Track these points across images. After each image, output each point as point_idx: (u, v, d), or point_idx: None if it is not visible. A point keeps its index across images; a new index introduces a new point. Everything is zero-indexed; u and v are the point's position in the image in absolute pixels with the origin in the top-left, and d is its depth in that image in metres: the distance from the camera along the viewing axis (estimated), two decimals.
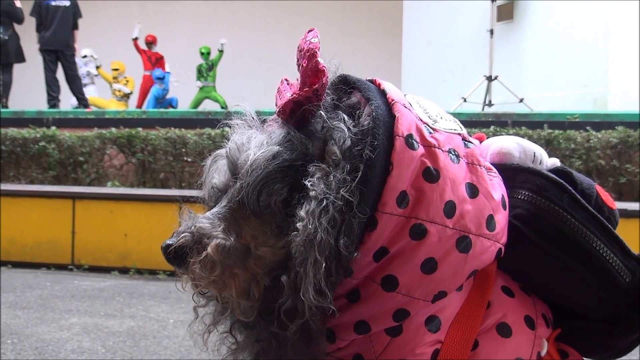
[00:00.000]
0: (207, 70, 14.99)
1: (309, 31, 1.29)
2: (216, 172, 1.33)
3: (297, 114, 1.25)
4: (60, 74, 11.96)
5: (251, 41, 17.76)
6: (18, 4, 11.45)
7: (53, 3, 11.65)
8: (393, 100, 1.24)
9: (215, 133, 8.15)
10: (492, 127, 7.71)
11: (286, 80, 1.45)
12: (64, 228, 7.28)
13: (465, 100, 10.55)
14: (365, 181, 1.16)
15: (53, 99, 11.85)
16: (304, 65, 1.24)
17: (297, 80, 1.29)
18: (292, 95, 1.25)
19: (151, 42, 15.44)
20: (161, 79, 14.78)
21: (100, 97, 15.42)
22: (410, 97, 1.33)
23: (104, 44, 15.86)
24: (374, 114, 1.21)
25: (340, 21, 17.34)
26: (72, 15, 11.77)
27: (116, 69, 15.48)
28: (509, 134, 7.55)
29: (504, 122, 8.36)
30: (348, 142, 1.19)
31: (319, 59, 1.22)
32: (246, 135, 1.27)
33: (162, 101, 14.97)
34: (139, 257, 7.07)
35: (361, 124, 1.21)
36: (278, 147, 1.22)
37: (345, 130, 1.20)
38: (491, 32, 10.70)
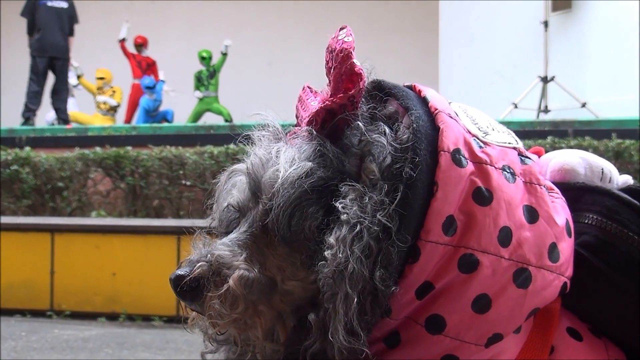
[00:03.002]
0: (208, 77, 15.09)
1: (341, 29, 1.31)
2: (233, 190, 1.35)
3: (329, 124, 1.27)
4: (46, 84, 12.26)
5: (259, 41, 17.87)
6: None
7: (49, 3, 12.07)
8: (436, 109, 1.26)
9: (218, 151, 8.21)
10: (549, 138, 7.70)
11: (309, 87, 1.48)
12: (41, 267, 7.34)
13: (516, 107, 10.53)
14: (406, 204, 1.18)
15: (29, 111, 12.07)
16: (337, 67, 1.26)
17: (328, 85, 1.32)
18: (324, 102, 1.27)
19: (141, 44, 15.58)
20: (151, 88, 14.87)
21: (81, 111, 15.59)
22: (455, 106, 1.34)
23: (86, 49, 16.04)
24: (414, 125, 1.23)
25: (365, 16, 17.42)
26: (69, 18, 12.25)
27: (101, 78, 15.63)
28: (570, 146, 7.55)
29: (564, 131, 8.35)
30: (388, 160, 1.21)
31: (354, 60, 1.24)
32: (273, 149, 1.29)
33: (155, 114, 15.08)
34: (130, 300, 7.11)
35: (400, 138, 1.23)
36: (311, 163, 1.23)
37: (386, 145, 1.22)
38: (545, 24, 10.69)
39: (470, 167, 1.22)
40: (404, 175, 1.19)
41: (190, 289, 1.24)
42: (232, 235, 1.29)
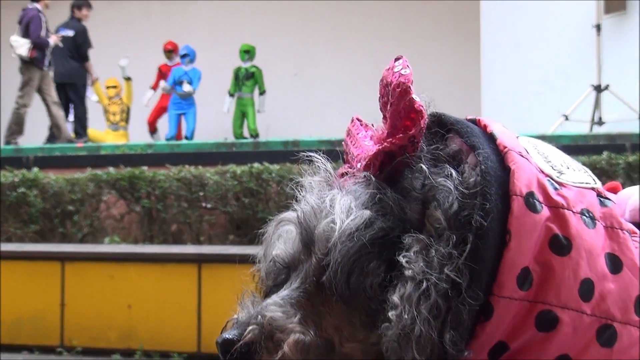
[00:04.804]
0: (244, 77, 15.29)
1: (396, 59, 1.30)
2: (280, 241, 1.34)
3: (387, 166, 1.26)
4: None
5: (284, 49, 17.92)
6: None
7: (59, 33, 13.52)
8: (505, 147, 1.24)
9: (242, 171, 8.24)
10: (604, 153, 7.63)
11: (358, 120, 1.47)
12: (50, 299, 7.38)
13: (567, 119, 10.47)
14: (476, 256, 1.16)
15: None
16: (394, 104, 1.25)
17: (383, 121, 1.31)
18: (381, 143, 1.26)
19: (171, 50, 15.90)
20: (184, 56, 15.44)
21: (93, 128, 15.77)
22: (525, 141, 1.32)
23: (102, 54, 16.24)
24: (482, 166, 1.21)
25: (398, 21, 17.42)
26: (76, 46, 13.61)
27: (114, 87, 15.89)
28: (629, 162, 7.47)
29: (620, 145, 8.28)
30: (455, 206, 1.19)
31: (413, 96, 1.23)
32: (327, 197, 1.28)
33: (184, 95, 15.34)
34: (148, 335, 7.12)
35: (467, 181, 1.22)
36: (369, 211, 1.22)
37: (453, 189, 1.20)
38: (598, 27, 10.63)
39: (545, 212, 1.20)
40: (473, 223, 1.17)
41: (240, 355, 1.23)
42: (284, 293, 1.28)
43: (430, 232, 1.20)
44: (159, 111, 16.00)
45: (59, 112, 12.99)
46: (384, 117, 1.31)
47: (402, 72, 1.27)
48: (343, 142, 1.43)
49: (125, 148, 10.43)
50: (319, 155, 1.37)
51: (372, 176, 1.25)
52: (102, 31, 15.76)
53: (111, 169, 8.70)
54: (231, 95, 15.64)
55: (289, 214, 1.33)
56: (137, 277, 7.30)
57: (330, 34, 17.89)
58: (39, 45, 12.73)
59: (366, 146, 1.35)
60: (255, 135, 15.31)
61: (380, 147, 1.26)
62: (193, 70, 15.44)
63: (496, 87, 13.61)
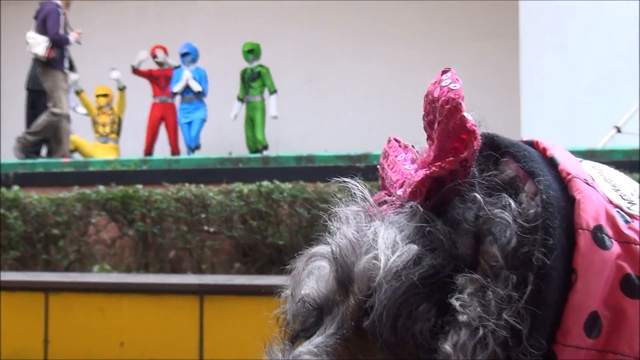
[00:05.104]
0: (249, 79, 15.35)
1: (444, 72, 1.29)
2: (311, 279, 1.33)
3: (434, 194, 1.25)
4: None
5: (297, 53, 17.92)
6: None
7: None
8: (569, 174, 1.23)
9: (249, 190, 8.25)
10: None
11: (396, 140, 1.46)
12: (32, 335, 7.38)
13: (619, 131, 10.43)
14: (539, 299, 1.14)
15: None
16: (443, 122, 1.24)
17: (429, 142, 1.30)
18: (428, 166, 1.25)
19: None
20: (184, 55, 15.46)
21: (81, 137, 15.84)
22: (588, 166, 1.31)
23: (90, 59, 16.32)
24: (543, 196, 1.19)
25: (427, 21, 17.39)
26: None
27: (104, 95, 15.94)
28: None
29: None
30: (514, 242, 1.17)
31: (464, 114, 1.22)
32: (369, 229, 1.27)
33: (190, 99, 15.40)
34: None
35: (526, 213, 1.21)
36: (416, 246, 1.21)
37: (511, 222, 1.18)
38: None
39: (615, 248, 1.18)
40: (534, 261, 1.15)
41: None
42: (318, 340, 1.26)
43: (485, 270, 1.18)
44: (155, 124, 15.93)
45: (65, 125, 13.04)
46: (429, 138, 1.29)
47: (451, 86, 1.25)
48: (379, 166, 1.41)
49: (117, 164, 10.44)
50: (355, 180, 1.36)
51: (419, 206, 1.25)
52: (90, 34, 15.79)
53: (101, 188, 8.72)
54: (240, 100, 15.66)
55: (322, 248, 1.32)
56: (131, 311, 7.29)
57: (348, 35, 17.86)
58: (58, 43, 12.68)
59: (406, 170, 1.34)
60: (263, 147, 15.28)
61: (428, 172, 1.24)
62: (197, 70, 15.49)
63: (537, 94, 13.55)
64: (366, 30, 17.68)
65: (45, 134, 12.97)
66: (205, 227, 8.39)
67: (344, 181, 1.35)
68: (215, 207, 8.28)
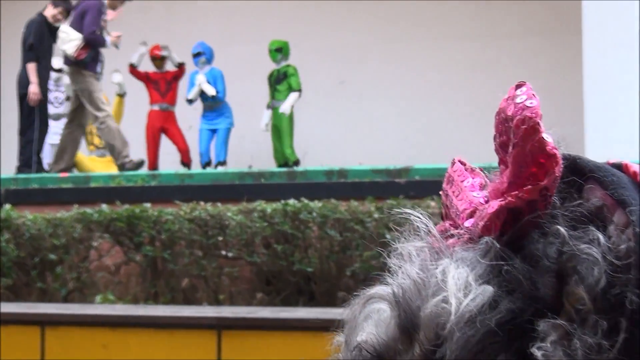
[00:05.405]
0: (276, 81, 15.35)
1: (518, 86, 1.24)
2: (369, 324, 1.28)
3: (509, 227, 1.20)
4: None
5: (327, 52, 17.96)
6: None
7: None
8: None
9: (273, 209, 8.24)
10: None
11: (461, 163, 1.42)
12: None
13: None
14: (632, 348, 1.11)
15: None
16: (519, 145, 1.19)
17: (501, 165, 1.25)
18: (502, 195, 1.21)
19: (160, 57, 15.92)
20: (197, 55, 15.40)
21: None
22: None
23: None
24: (636, 228, 1.13)
25: (479, 17, 17.43)
26: (24, 44, 13.45)
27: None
28: None
29: None
30: (603, 281, 1.12)
31: (543, 135, 1.18)
32: (437, 268, 1.22)
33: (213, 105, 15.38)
34: None
35: (616, 247, 1.15)
36: (492, 287, 1.17)
37: (600, 259, 1.13)
38: None
39: None
40: (627, 304, 1.10)
41: None
42: None
43: (570, 315, 1.13)
44: (155, 135, 15.86)
45: (79, 133, 13.06)
46: (502, 162, 1.26)
47: (527, 103, 1.21)
48: (442, 192, 1.38)
49: (122, 179, 10.45)
50: (418, 211, 1.32)
51: (494, 241, 1.21)
52: None
53: (104, 206, 8.73)
54: (270, 107, 15.56)
55: (381, 290, 1.28)
56: (138, 347, 7.31)
57: (385, 32, 17.78)
58: (91, 44, 12.49)
59: (475, 198, 1.29)
60: (293, 163, 15.12)
61: (503, 202, 1.20)
62: (211, 71, 15.48)
63: (603, 97, 13.55)
64: (405, 26, 17.67)
65: (119, 139, 12.77)
66: (223, 252, 8.39)
67: (406, 211, 1.32)
68: (235, 228, 8.27)
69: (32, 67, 13.12)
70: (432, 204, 7.73)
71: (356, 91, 17.55)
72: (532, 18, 17.24)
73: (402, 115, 16.58)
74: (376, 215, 7.94)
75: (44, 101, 13.55)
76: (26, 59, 13.33)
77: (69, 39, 12.38)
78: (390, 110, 17.08)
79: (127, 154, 12.64)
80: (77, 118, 12.93)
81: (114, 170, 14.08)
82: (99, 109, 12.61)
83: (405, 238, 1.28)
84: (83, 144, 15.73)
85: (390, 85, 17.32)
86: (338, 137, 17.04)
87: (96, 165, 15.29)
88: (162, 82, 15.75)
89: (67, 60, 12.66)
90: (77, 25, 12.45)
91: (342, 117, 17.37)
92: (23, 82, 13.32)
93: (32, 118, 13.38)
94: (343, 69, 17.87)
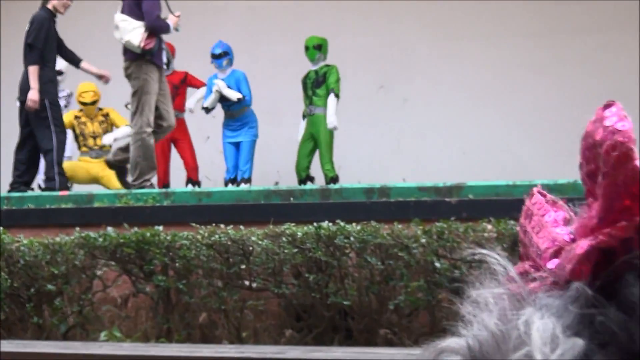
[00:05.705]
0: (314, 85, 15.26)
1: (606, 106, 1.17)
2: None
3: (601, 269, 1.12)
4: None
5: (366, 54, 18.03)
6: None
7: None
8: None
9: (304, 233, 8.22)
10: None
11: (541, 193, 1.35)
12: None
13: None
14: None
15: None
16: (609, 175, 1.11)
17: (594, 198, 1.17)
18: (594, 236, 1.13)
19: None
20: (217, 57, 15.38)
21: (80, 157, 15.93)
22: None
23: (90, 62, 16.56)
24: None
25: (530, 15, 17.47)
26: (25, 46, 13.28)
27: (93, 102, 15.92)
28: None
29: None
30: None
31: (637, 162, 1.10)
32: (519, 319, 1.15)
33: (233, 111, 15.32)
34: None
35: None
36: (582, 340, 1.10)
37: None
38: None
39: None
40: None
41: None
42: None
43: None
44: (165, 147, 15.79)
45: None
46: (590, 193, 1.18)
47: (618, 126, 1.15)
48: (519, 229, 1.32)
49: (130, 198, 10.45)
50: (496, 252, 1.25)
51: (585, 287, 1.14)
52: (90, 33, 15.95)
53: (110, 230, 8.72)
54: (306, 115, 15.41)
55: (454, 342, 1.23)
56: None
57: (430, 32, 17.88)
58: (156, 31, 12.31)
59: (558, 235, 1.22)
60: (331, 179, 14.99)
61: (594, 242, 1.13)
62: (232, 74, 15.42)
63: None
64: (455, 24, 17.69)
65: (149, 160, 12.47)
66: (247, 282, 8.39)
67: (481, 253, 1.26)
68: (260, 255, 8.26)
69: (34, 70, 13.09)
70: (489, 227, 7.69)
71: (399, 97, 17.58)
72: (591, 13, 17.27)
73: (453, 124, 16.59)
74: (423, 240, 7.90)
75: (56, 104, 13.46)
76: (28, 61, 13.24)
77: (131, 28, 12.14)
78: (438, 118, 17.10)
79: (149, 178, 12.47)
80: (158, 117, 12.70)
81: (112, 176, 14.06)
82: (140, 114, 12.37)
83: (480, 282, 1.22)
84: (75, 146, 15.82)
85: (438, 90, 17.33)
86: (378, 149, 17.08)
87: (90, 167, 15.28)
88: (169, 85, 15.75)
89: (130, 54, 12.42)
90: (134, 12, 12.21)
91: (383, 126, 17.40)
92: (25, 88, 13.24)
93: (47, 124, 13.13)
94: (384, 71, 17.92)
